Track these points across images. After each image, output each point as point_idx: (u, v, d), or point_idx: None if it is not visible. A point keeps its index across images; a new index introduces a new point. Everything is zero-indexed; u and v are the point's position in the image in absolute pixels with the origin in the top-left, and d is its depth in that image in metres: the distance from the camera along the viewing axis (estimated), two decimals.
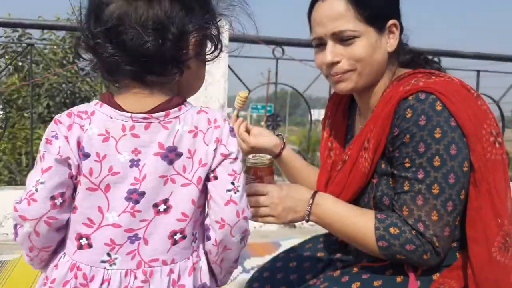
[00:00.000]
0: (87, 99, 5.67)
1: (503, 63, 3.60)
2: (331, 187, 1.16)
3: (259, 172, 1.06)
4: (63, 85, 6.21)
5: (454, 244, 1.03)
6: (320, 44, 1.08)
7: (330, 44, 1.05)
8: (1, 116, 5.05)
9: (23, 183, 2.54)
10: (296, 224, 3.05)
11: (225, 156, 0.76)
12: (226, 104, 2.75)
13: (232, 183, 0.76)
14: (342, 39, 1.03)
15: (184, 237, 0.76)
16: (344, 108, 1.26)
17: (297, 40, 2.92)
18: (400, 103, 0.98)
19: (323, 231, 1.16)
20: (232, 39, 2.86)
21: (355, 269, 1.09)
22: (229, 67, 2.76)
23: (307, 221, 1.04)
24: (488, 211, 0.94)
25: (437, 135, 0.93)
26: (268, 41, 2.98)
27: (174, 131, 0.74)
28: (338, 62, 1.06)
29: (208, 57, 0.83)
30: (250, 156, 1.10)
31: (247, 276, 2.06)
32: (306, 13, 1.12)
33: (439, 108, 0.94)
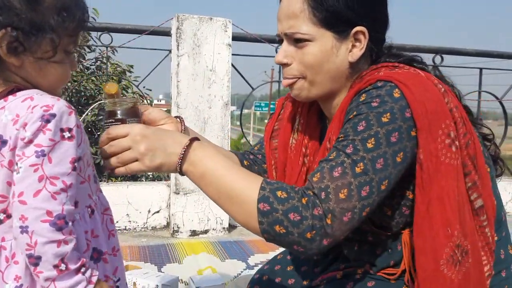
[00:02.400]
0: (92, 98, 5.67)
1: (505, 60, 3.61)
2: None
3: (120, 114, 0.92)
4: (68, 84, 6.23)
5: None
6: (280, 40, 1.01)
7: (284, 43, 0.99)
8: None
9: None
10: None
11: (22, 140, 0.78)
12: (230, 102, 2.78)
13: (16, 164, 0.77)
14: (295, 40, 0.96)
15: (8, 216, 0.80)
16: (317, 110, 1.13)
17: None
18: (357, 93, 0.91)
19: None
20: (236, 37, 2.89)
21: (359, 271, 1.04)
22: (232, 65, 2.80)
23: (180, 170, 0.89)
24: (438, 219, 0.86)
25: (384, 119, 0.84)
26: (270, 40, 3.00)
27: (1, 121, 0.79)
28: (288, 64, 0.99)
29: (47, 57, 0.83)
30: (109, 100, 0.94)
31: (251, 272, 2.09)
32: None
33: (397, 95, 0.86)
